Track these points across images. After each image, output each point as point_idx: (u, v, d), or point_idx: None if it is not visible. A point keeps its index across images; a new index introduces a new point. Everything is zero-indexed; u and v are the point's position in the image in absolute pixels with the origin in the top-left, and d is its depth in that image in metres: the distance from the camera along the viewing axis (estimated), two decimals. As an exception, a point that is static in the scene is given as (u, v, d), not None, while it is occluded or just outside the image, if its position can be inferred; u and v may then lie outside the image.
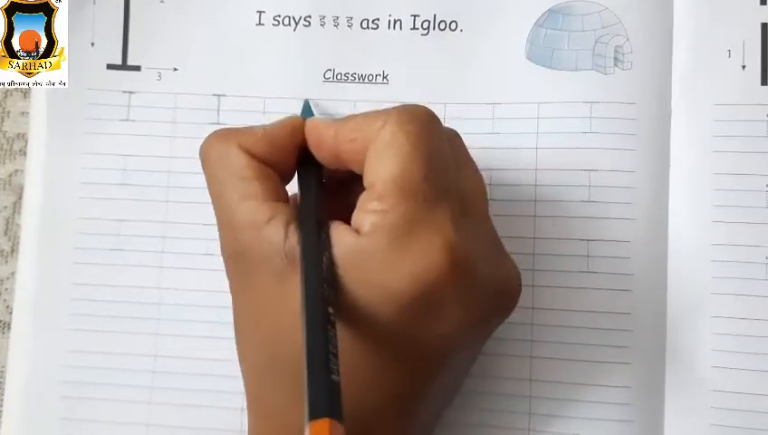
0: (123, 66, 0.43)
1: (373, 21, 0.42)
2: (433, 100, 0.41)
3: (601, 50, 0.41)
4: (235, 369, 0.39)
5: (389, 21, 0.42)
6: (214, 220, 0.40)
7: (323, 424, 0.24)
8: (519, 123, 0.41)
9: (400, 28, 0.42)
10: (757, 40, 0.40)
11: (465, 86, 0.41)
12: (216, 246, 0.39)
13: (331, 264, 0.30)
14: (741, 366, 0.38)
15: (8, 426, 0.41)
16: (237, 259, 0.32)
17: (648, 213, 0.39)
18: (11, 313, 0.42)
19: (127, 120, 0.42)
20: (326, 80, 0.42)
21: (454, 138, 0.34)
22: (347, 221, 0.31)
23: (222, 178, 0.32)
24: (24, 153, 0.43)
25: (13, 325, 0.42)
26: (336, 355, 0.27)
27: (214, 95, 0.42)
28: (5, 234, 0.43)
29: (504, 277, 0.34)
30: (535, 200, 0.40)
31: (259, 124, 0.34)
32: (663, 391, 0.38)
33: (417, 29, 0.42)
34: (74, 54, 0.42)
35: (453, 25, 0.42)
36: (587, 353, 0.39)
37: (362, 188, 0.32)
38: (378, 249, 0.29)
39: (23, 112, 0.44)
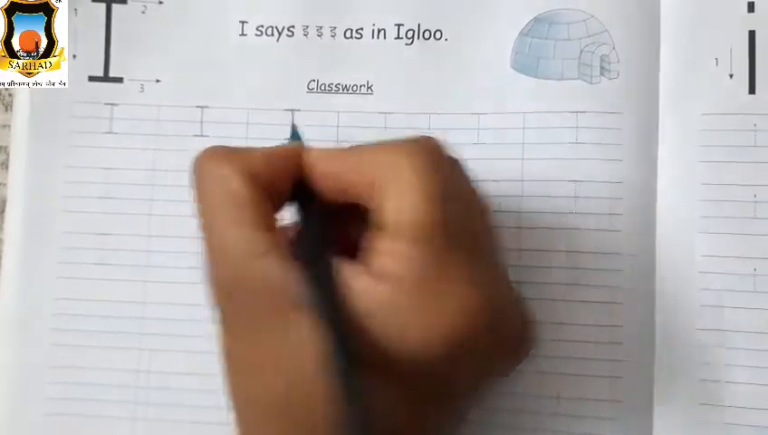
0: (105, 78, 0.42)
1: (357, 31, 0.41)
2: (418, 110, 0.40)
3: (587, 59, 0.40)
4: (218, 383, 0.38)
5: (373, 31, 0.41)
6: (199, 233, 0.40)
7: None
8: (505, 134, 0.40)
9: (384, 38, 0.41)
10: (744, 48, 0.39)
11: (451, 96, 0.40)
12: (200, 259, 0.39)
13: (343, 308, 0.28)
14: (730, 379, 0.37)
15: (-6, 443, 0.40)
16: (228, 291, 0.30)
17: (636, 224, 0.39)
18: (-4, 328, 0.41)
19: (109, 132, 0.41)
20: (310, 90, 0.41)
21: (457, 165, 0.32)
22: (343, 251, 0.29)
23: (215, 200, 0.29)
24: (6, 166, 0.42)
25: (-2, 342, 0.41)
26: (368, 410, 0.26)
27: (197, 107, 0.41)
28: (-11, 247, 0.42)
29: (522, 316, 0.32)
30: (521, 211, 0.39)
31: (258, 146, 0.31)
32: (652, 405, 0.38)
33: (402, 39, 0.41)
34: (55, 66, 0.41)
35: (437, 35, 0.41)
36: (575, 367, 0.38)
37: (358, 218, 0.31)
38: (401, 298, 0.28)
39: (4, 125, 0.43)
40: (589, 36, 0.40)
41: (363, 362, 0.27)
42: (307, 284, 0.28)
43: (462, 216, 0.30)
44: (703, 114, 0.39)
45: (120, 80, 0.42)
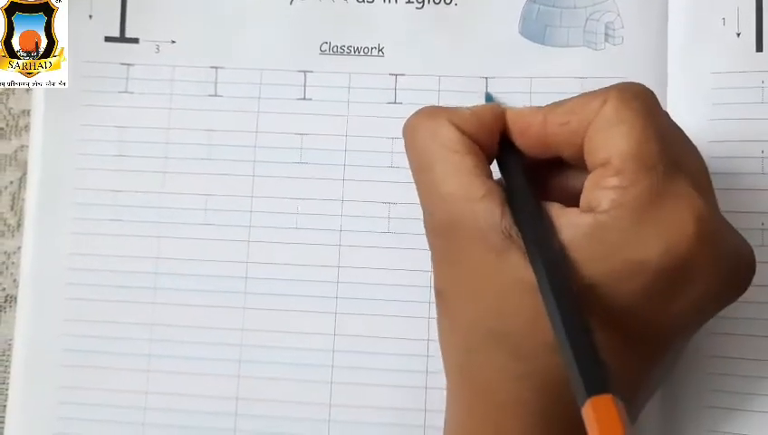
0: (121, 39, 0.40)
1: (369, -6, 0.39)
2: (427, 72, 0.39)
3: (592, 27, 0.38)
4: (231, 337, 0.38)
5: None
6: (209, 190, 0.39)
7: (606, 399, 0.22)
8: (512, 97, 0.38)
9: (396, 2, 0.39)
10: (752, 7, 0.37)
11: (460, 59, 0.38)
12: (212, 216, 0.39)
13: (561, 246, 0.27)
14: (737, 332, 0.35)
15: (13, 395, 0.38)
16: (446, 232, 0.30)
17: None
18: (18, 286, 0.39)
19: (125, 92, 0.39)
20: (322, 52, 0.39)
21: (666, 113, 0.31)
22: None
23: (433, 151, 0.30)
24: (29, 129, 0.40)
25: (18, 298, 0.39)
26: (593, 333, 0.25)
27: (211, 67, 0.39)
28: (12, 208, 0.41)
29: (741, 251, 0.30)
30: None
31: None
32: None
33: (412, 2, 0.39)
34: (72, 27, 0.39)
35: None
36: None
37: (562, 174, 0.31)
38: (622, 224, 0.27)
39: (27, 89, 0.41)
40: (594, 5, 0.38)
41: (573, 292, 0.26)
42: (519, 221, 0.28)
43: (680, 152, 0.29)
44: (711, 73, 0.36)
45: (135, 40, 0.40)
